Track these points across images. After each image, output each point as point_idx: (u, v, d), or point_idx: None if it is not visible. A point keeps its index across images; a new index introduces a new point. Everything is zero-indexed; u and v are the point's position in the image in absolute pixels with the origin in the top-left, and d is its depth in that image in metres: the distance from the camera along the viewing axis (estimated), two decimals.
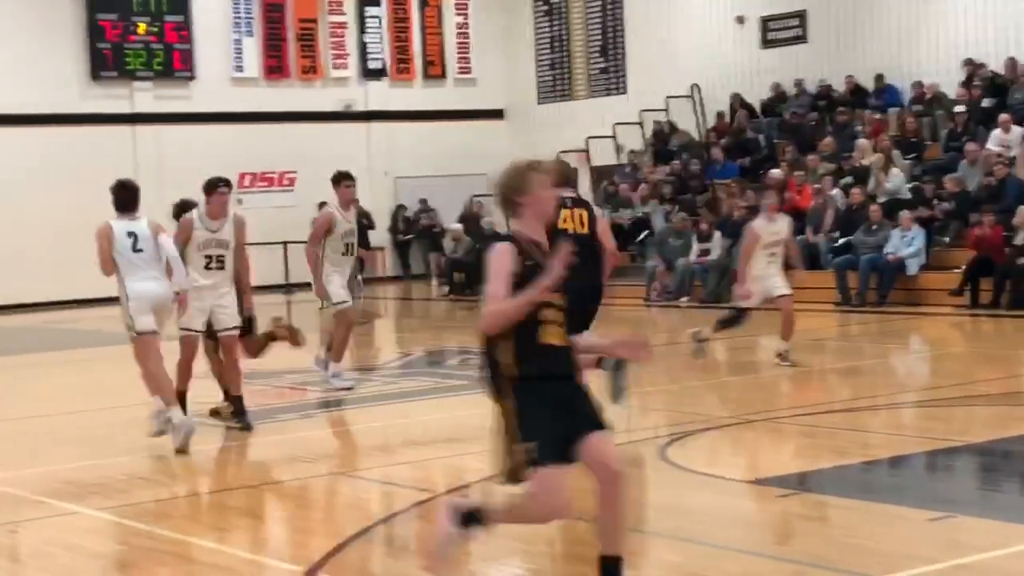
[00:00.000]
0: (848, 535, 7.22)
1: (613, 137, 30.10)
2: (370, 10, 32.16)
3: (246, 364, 11.83)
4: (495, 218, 28.59)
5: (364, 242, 26.10)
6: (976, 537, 7.12)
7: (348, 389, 13.56)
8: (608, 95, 31.36)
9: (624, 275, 23.80)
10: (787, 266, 14.45)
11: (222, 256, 11.17)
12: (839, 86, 26.34)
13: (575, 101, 32.16)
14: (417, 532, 7.75)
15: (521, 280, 5.59)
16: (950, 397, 12.00)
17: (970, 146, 21.91)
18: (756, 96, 28.01)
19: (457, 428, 11.18)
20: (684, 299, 22.77)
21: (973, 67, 24.09)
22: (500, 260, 5.63)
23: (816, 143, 24.68)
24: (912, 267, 20.35)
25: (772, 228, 14.21)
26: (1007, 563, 6.59)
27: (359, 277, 15.08)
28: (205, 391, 11.70)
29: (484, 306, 5.60)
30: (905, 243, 20.42)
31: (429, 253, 30.88)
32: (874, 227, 20.92)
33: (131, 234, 10.53)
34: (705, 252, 22.97)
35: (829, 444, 10.13)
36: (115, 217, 10.61)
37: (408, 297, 29.06)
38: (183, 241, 11.10)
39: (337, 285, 13.40)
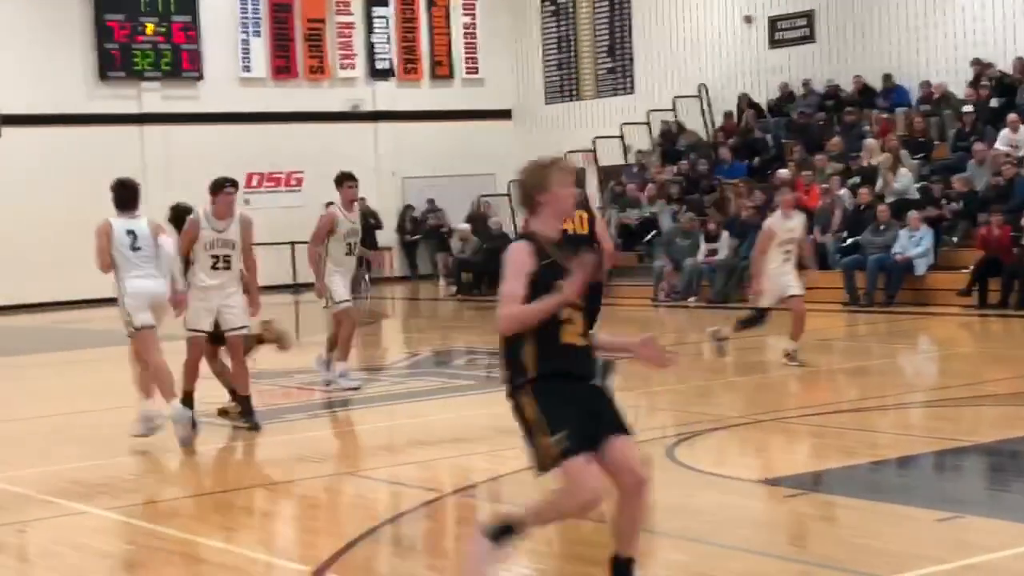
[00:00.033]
0: (856, 535, 7.20)
1: (621, 137, 30.09)
2: (378, 10, 32.16)
3: (253, 365, 11.84)
4: (502, 218, 28.61)
5: (372, 242, 26.20)
6: (984, 537, 7.10)
7: (355, 389, 13.56)
8: (615, 95, 31.33)
9: (631, 275, 23.86)
10: (800, 266, 14.44)
11: (228, 256, 11.17)
12: (847, 86, 26.32)
13: (582, 101, 32.14)
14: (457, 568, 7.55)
15: (538, 279, 5.55)
16: (958, 397, 11.98)
17: (978, 146, 21.88)
18: (764, 96, 28.01)
19: (464, 428, 11.19)
20: (692, 299, 22.74)
21: (981, 67, 24.05)
22: (517, 259, 5.59)
23: (824, 143, 24.65)
24: (920, 267, 20.33)
25: (788, 225, 14.19)
26: (1016, 563, 6.57)
27: (366, 277, 15.09)
28: (210, 391, 11.71)
29: (500, 306, 5.57)
30: (913, 243, 20.39)
31: (436, 253, 30.86)
32: (882, 227, 20.89)
33: (130, 232, 10.57)
34: (713, 252, 22.95)
35: (837, 444, 10.13)
36: (116, 215, 10.64)
37: (415, 297, 29.03)
38: (190, 241, 11.10)
39: (339, 284, 13.42)
